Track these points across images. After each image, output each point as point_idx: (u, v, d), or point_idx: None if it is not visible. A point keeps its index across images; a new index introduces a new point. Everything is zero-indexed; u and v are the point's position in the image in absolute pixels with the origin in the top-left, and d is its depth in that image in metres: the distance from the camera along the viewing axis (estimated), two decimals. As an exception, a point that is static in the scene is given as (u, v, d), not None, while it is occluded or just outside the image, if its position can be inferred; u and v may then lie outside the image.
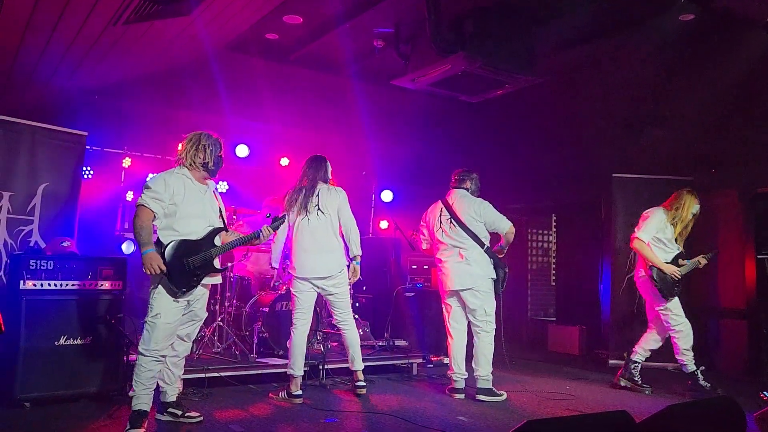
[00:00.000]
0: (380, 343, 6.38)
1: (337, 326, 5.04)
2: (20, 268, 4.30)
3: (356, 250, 4.90)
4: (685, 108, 6.59)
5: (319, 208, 4.81)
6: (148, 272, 3.70)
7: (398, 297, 6.95)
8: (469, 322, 5.17)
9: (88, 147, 5.97)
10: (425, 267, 7.49)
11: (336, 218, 4.88)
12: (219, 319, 5.76)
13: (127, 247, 6.26)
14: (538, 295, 9.73)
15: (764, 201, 6.73)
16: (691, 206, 5.51)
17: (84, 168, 6.01)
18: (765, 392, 4.19)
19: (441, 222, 5.21)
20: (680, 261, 5.53)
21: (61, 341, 4.33)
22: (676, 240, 5.56)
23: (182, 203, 3.83)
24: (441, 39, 5.04)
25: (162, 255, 3.74)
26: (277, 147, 8.21)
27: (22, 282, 4.27)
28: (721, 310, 6.98)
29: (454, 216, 5.15)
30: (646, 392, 5.42)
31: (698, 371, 5.41)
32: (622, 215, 7.19)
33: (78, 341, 4.40)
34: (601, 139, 7.53)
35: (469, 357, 5.17)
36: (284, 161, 8.22)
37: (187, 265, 3.79)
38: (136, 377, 3.74)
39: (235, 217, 6.04)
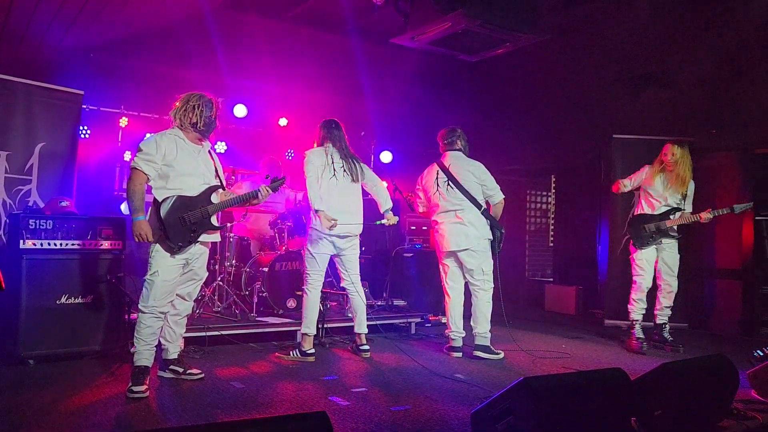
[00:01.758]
0: (379, 303, 6.45)
1: (346, 288, 5.10)
2: (20, 228, 4.31)
3: (389, 203, 5.07)
4: (686, 69, 6.52)
5: (345, 170, 4.88)
6: (137, 240, 3.72)
7: (397, 257, 6.99)
8: (466, 282, 5.23)
9: (84, 106, 5.91)
10: (424, 228, 7.51)
11: (359, 181, 4.98)
12: (219, 278, 5.80)
13: (125, 207, 6.24)
14: (536, 255, 9.80)
15: (763, 162, 6.73)
16: (669, 151, 5.57)
17: (81, 127, 5.96)
18: (758, 351, 4.25)
19: (438, 185, 5.24)
20: (670, 216, 5.60)
21: (63, 300, 4.37)
22: (679, 195, 5.60)
23: (175, 162, 3.83)
24: (441, -5, 4.94)
25: (157, 212, 3.77)
26: (276, 107, 8.13)
27: (21, 241, 4.28)
28: (717, 270, 7.03)
29: (451, 178, 5.17)
30: (680, 350, 5.45)
31: (637, 322, 5.64)
32: (621, 176, 7.17)
33: (79, 300, 4.44)
34: (600, 100, 7.46)
35: (467, 316, 5.23)
36: (282, 121, 8.15)
37: (183, 220, 3.82)
38: (137, 334, 3.80)
39: (234, 177, 6.02)
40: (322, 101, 7.76)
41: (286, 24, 6.30)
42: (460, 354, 5.15)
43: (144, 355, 3.77)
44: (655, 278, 5.69)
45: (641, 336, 5.57)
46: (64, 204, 4.79)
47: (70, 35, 6.15)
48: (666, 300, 5.64)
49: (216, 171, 4.12)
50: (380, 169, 8.64)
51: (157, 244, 3.80)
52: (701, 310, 7.04)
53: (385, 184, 6.60)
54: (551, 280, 9.21)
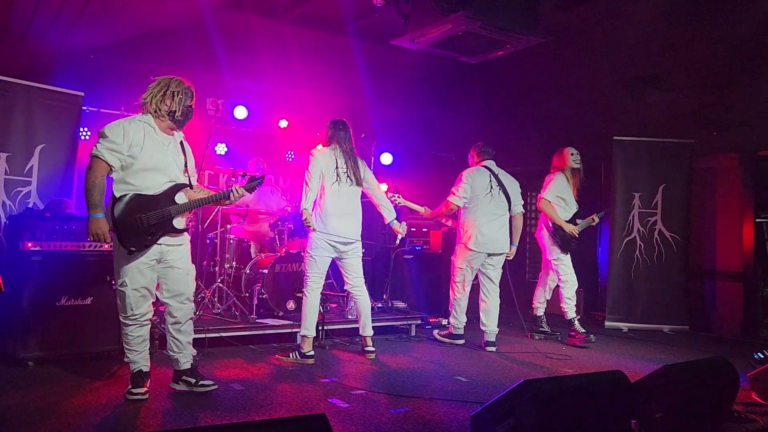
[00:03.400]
0: (379, 305, 6.44)
1: (350, 291, 5.12)
2: (19, 230, 4.30)
3: (392, 213, 5.14)
4: (687, 70, 6.52)
5: (348, 176, 4.84)
6: (92, 239, 3.41)
7: (397, 259, 6.98)
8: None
9: (84, 108, 5.91)
10: (424, 230, 7.50)
11: (361, 185, 4.96)
12: (219, 280, 5.80)
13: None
14: (536, 257, 9.76)
15: (764, 164, 6.72)
16: (567, 156, 6.01)
17: (81, 129, 5.95)
18: (759, 353, 4.24)
19: (491, 188, 5.53)
20: (577, 220, 6.00)
21: (62, 302, 4.36)
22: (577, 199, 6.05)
23: (140, 155, 3.47)
24: (442, -3, 4.95)
25: (112, 210, 3.42)
26: (276, 108, 8.12)
27: (21, 243, 4.27)
28: (718, 272, 7.02)
29: (500, 185, 5.58)
30: (592, 339, 5.85)
31: (575, 319, 5.94)
32: (621, 178, 7.18)
33: (78, 302, 4.43)
34: (601, 101, 7.46)
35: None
36: (283, 123, 8.14)
37: (139, 222, 3.44)
38: (125, 345, 3.61)
39: (234, 179, 6.00)
40: (322, 103, 7.75)
41: (286, 25, 6.30)
42: (463, 341, 5.62)
43: (138, 362, 3.62)
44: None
45: (582, 329, 5.87)
46: (64, 205, 4.79)
47: (70, 36, 6.15)
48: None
49: (186, 166, 3.77)
50: (380, 170, 8.64)
51: (119, 248, 3.47)
52: (702, 312, 7.03)
53: (385, 186, 6.63)
54: (552, 282, 9.18)
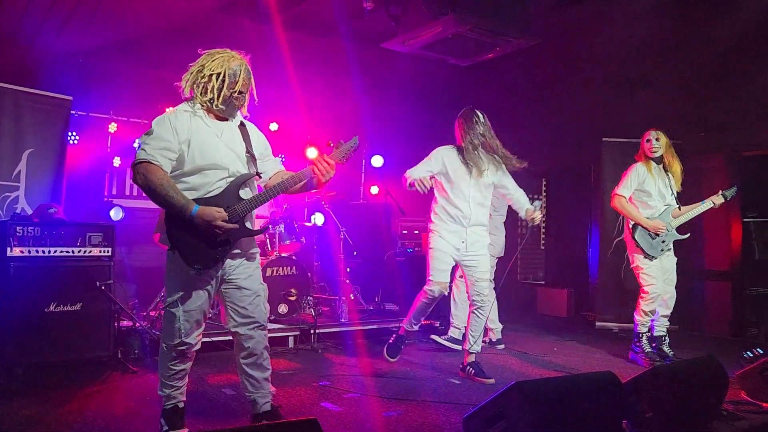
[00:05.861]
0: (371, 308, 6.44)
1: (473, 301, 4.49)
2: (7, 235, 4.25)
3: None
4: (674, 72, 6.58)
5: (481, 172, 4.40)
6: (221, 233, 2.80)
7: (389, 262, 6.98)
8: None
9: (73, 112, 5.88)
10: (416, 232, 7.51)
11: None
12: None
13: (115, 214, 6.20)
14: (527, 258, 9.80)
15: (750, 164, 6.78)
16: (654, 138, 5.19)
17: (70, 133, 5.91)
18: (748, 352, 4.27)
19: None
20: (673, 213, 5.17)
21: (51, 308, 4.31)
22: (673, 189, 5.20)
23: (188, 153, 2.87)
24: (432, 0, 4.97)
25: (166, 224, 2.84)
26: (266, 112, 8.10)
27: (9, 249, 4.23)
28: (706, 271, 7.07)
29: None
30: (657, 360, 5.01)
31: (645, 335, 5.14)
32: (611, 179, 7.18)
33: (68, 308, 4.39)
34: (591, 103, 7.50)
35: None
36: (273, 126, 8.12)
37: (204, 232, 2.82)
38: (161, 377, 3.04)
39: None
40: (313, 106, 7.75)
41: (277, 28, 6.29)
42: (503, 345, 5.73)
43: (174, 396, 3.05)
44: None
45: (649, 349, 5.12)
46: (52, 210, 4.75)
47: (58, 40, 6.11)
48: (664, 309, 5.18)
49: (248, 153, 3.04)
50: (372, 173, 8.64)
51: (173, 262, 2.90)
52: (691, 312, 7.07)
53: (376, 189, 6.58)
54: (543, 282, 9.22)
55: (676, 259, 5.23)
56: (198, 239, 2.83)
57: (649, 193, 5.17)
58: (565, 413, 2.59)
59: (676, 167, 5.21)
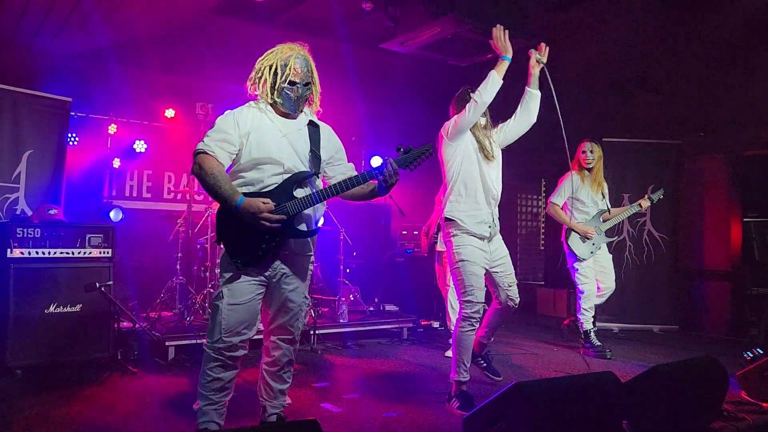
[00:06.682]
0: (370, 308, 6.44)
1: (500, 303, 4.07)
2: (7, 237, 4.27)
3: None
4: (674, 72, 6.57)
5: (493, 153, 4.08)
6: (268, 226, 2.69)
7: (388, 262, 6.98)
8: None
9: (72, 113, 5.88)
10: (415, 233, 7.51)
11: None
12: (209, 285, 5.77)
13: (115, 215, 6.19)
14: (527, 259, 9.81)
15: (751, 164, 6.79)
16: (589, 150, 5.57)
17: (69, 135, 5.92)
18: (748, 352, 4.27)
19: None
20: (604, 217, 5.57)
21: (51, 309, 4.32)
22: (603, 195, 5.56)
23: (246, 145, 2.84)
24: (430, 1, 4.97)
25: (222, 212, 2.81)
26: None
27: (9, 250, 4.24)
28: (706, 272, 7.08)
29: None
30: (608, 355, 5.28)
31: (592, 330, 5.48)
32: (610, 180, 7.20)
33: (68, 309, 4.40)
34: (589, 103, 7.50)
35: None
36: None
37: (249, 228, 2.74)
38: (200, 386, 2.87)
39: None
40: (312, 106, 7.74)
41: (276, 29, 6.29)
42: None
43: (209, 416, 2.83)
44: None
45: (599, 342, 5.42)
46: (52, 212, 4.76)
47: (58, 41, 6.12)
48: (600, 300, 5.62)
49: (313, 153, 2.94)
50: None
51: (223, 256, 2.86)
52: (692, 312, 7.08)
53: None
54: (542, 283, 9.22)
55: (611, 255, 5.67)
56: (243, 233, 2.77)
57: (582, 201, 5.57)
58: (564, 414, 2.59)
59: (601, 177, 5.62)
